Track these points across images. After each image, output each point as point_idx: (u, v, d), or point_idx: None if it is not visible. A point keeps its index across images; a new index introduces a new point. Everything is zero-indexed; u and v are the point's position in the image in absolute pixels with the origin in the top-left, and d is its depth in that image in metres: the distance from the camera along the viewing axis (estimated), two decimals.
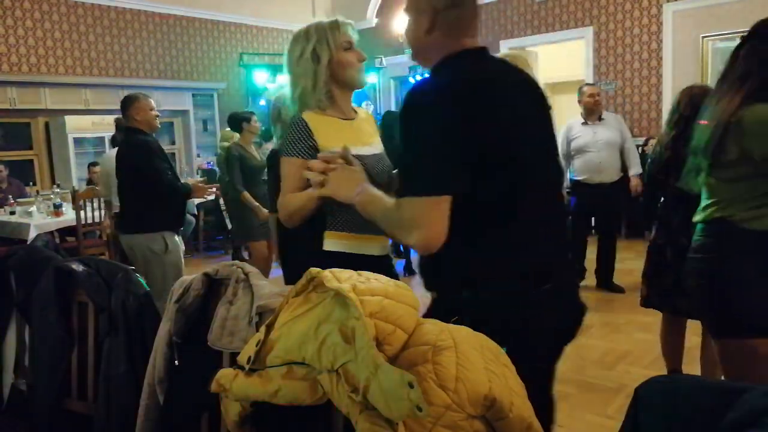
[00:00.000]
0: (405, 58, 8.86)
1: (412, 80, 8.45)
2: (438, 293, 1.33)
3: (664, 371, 2.82)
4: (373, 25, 9.28)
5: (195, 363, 1.58)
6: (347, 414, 1.01)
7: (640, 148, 6.17)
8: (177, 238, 3.52)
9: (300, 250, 1.82)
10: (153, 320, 1.84)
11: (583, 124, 4.59)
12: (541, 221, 1.29)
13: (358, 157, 1.58)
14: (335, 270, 1.15)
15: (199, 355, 1.57)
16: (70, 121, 6.79)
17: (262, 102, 8.74)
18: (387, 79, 9.55)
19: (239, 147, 4.58)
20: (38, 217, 5.28)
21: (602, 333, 3.67)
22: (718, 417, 0.88)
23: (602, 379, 3.09)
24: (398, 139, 1.26)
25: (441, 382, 0.97)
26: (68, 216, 5.39)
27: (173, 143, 8.03)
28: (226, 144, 5.04)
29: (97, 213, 5.43)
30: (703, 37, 6.48)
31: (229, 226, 6.43)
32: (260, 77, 8.69)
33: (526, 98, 1.33)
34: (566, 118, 5.03)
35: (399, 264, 5.46)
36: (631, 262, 5.25)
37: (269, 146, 6.07)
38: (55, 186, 6.13)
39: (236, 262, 1.64)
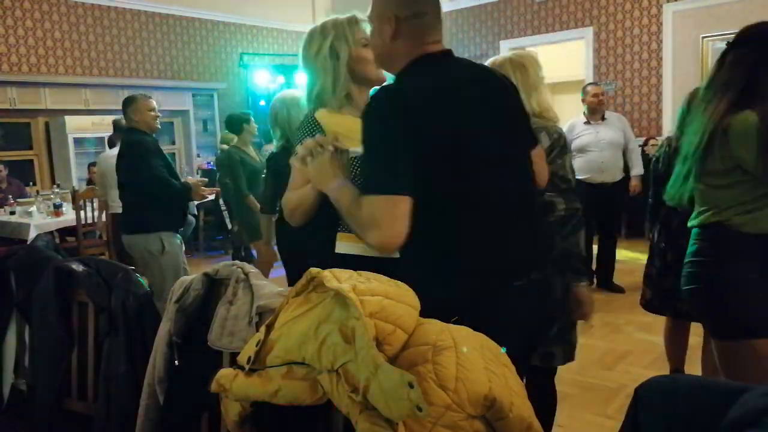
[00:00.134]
0: None
1: None
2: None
3: (664, 371, 2.82)
4: None
5: (195, 363, 1.58)
6: (347, 414, 1.01)
7: (640, 148, 6.18)
8: (177, 238, 3.51)
9: (310, 254, 1.77)
10: (153, 320, 1.84)
11: (585, 123, 4.59)
12: (502, 222, 1.31)
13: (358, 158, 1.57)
14: (335, 270, 1.15)
15: (199, 355, 1.57)
16: (70, 121, 6.79)
17: (262, 102, 8.74)
18: (387, 78, 9.55)
19: (239, 150, 4.59)
20: (38, 217, 5.28)
21: (602, 333, 3.67)
22: (718, 417, 0.88)
23: (602, 379, 3.09)
24: None
25: (441, 382, 0.97)
26: (68, 216, 5.39)
27: (173, 143, 8.03)
28: (225, 146, 5.04)
29: (96, 213, 5.43)
30: (703, 37, 6.49)
31: (230, 227, 6.43)
32: (260, 77, 8.68)
33: (481, 104, 1.33)
34: (566, 118, 5.04)
35: None
36: (631, 263, 5.25)
37: (270, 147, 6.07)
38: (55, 186, 6.12)
39: (236, 262, 1.64)
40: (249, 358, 1.16)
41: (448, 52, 1.38)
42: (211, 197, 3.66)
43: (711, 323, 1.80)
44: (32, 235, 4.95)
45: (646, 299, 2.83)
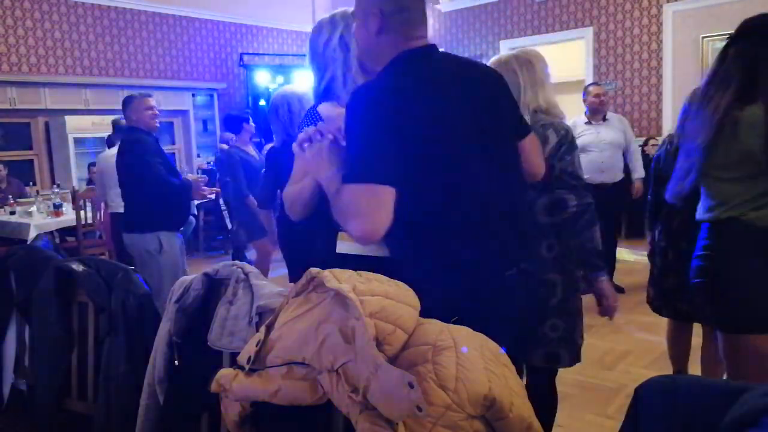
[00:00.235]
0: None
1: None
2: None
3: (664, 371, 2.82)
4: None
5: (195, 363, 1.58)
6: (347, 414, 1.01)
7: (640, 149, 6.17)
8: (177, 238, 3.51)
9: (313, 252, 1.75)
10: (153, 320, 1.84)
11: (586, 123, 4.59)
12: (488, 214, 1.32)
13: None
14: (335, 270, 1.15)
15: (199, 355, 1.57)
16: (70, 121, 6.78)
17: (262, 102, 8.74)
18: None
19: (239, 150, 4.59)
20: (38, 217, 5.28)
21: (602, 333, 3.67)
22: (718, 417, 0.88)
23: (602, 379, 3.09)
24: None
25: (441, 382, 0.97)
26: (68, 216, 5.39)
27: (173, 143, 8.03)
28: (225, 146, 5.04)
29: (99, 213, 5.43)
30: (703, 37, 6.49)
31: (230, 226, 6.43)
32: (260, 77, 8.69)
33: (464, 98, 1.34)
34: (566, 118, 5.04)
35: None
36: (631, 263, 5.25)
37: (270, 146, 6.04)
38: (55, 186, 6.12)
39: (236, 262, 1.64)
40: (249, 358, 1.16)
41: (432, 47, 1.40)
42: (212, 197, 3.65)
43: (718, 317, 1.80)
44: (32, 235, 4.95)
45: (650, 298, 2.83)
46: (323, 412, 1.14)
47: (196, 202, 6.22)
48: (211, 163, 7.70)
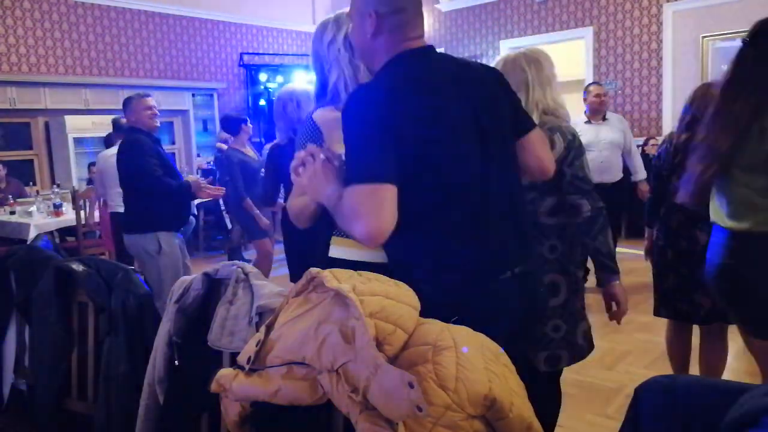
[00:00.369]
0: None
1: None
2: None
3: (664, 371, 2.81)
4: None
5: (195, 363, 1.58)
6: (347, 414, 1.01)
7: (640, 149, 6.17)
8: (176, 238, 3.51)
9: (317, 253, 1.75)
10: (153, 320, 1.84)
11: (586, 123, 4.59)
12: (485, 216, 1.31)
13: None
14: (335, 270, 1.15)
15: (199, 355, 1.57)
16: (70, 121, 6.78)
17: (262, 102, 8.74)
18: None
19: (237, 152, 4.58)
20: (38, 217, 5.28)
21: (602, 333, 3.66)
22: (718, 417, 0.88)
23: (602, 379, 3.08)
24: None
25: (441, 382, 0.97)
26: (68, 216, 5.39)
27: (173, 143, 8.03)
28: (224, 146, 5.04)
29: (96, 213, 5.43)
30: (703, 37, 6.48)
31: (230, 226, 6.43)
32: (260, 77, 8.69)
33: (462, 99, 1.33)
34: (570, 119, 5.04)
35: None
36: (631, 262, 5.24)
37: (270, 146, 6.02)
38: (55, 186, 6.12)
39: (236, 262, 1.64)
40: (249, 358, 1.16)
41: (429, 48, 1.39)
42: (220, 193, 3.66)
43: (754, 325, 1.79)
44: (32, 235, 4.95)
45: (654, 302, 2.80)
46: (323, 412, 1.14)
47: (196, 201, 6.24)
48: (211, 163, 7.69)
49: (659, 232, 2.65)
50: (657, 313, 2.68)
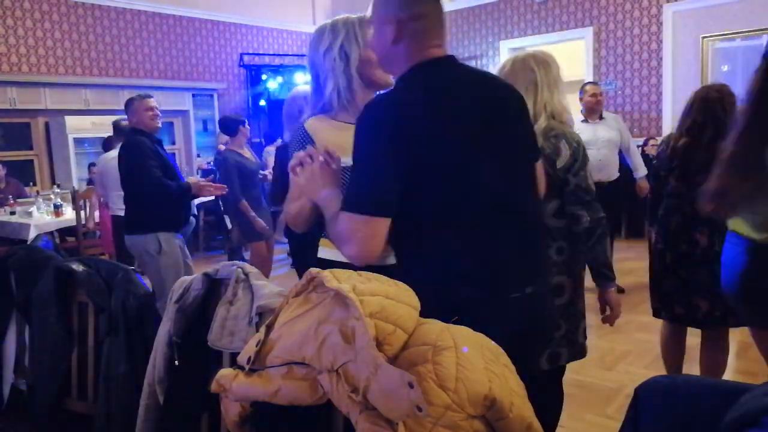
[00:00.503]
0: None
1: None
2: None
3: (663, 371, 2.82)
4: None
5: (195, 363, 1.58)
6: (347, 414, 1.01)
7: (640, 149, 6.17)
8: (177, 239, 3.51)
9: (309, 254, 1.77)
10: (153, 320, 1.84)
11: (583, 122, 4.60)
12: (496, 234, 1.29)
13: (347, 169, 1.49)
14: (335, 270, 1.15)
15: (199, 355, 1.57)
16: (70, 121, 6.78)
17: (262, 102, 8.74)
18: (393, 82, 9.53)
19: (235, 153, 4.58)
20: (38, 217, 5.28)
21: (602, 333, 3.67)
22: (718, 417, 0.88)
23: (602, 379, 3.09)
24: None
25: (441, 382, 0.97)
26: (68, 216, 5.39)
27: (173, 143, 8.03)
28: (223, 147, 5.04)
29: (96, 213, 5.43)
30: (703, 37, 6.48)
31: (230, 227, 6.43)
32: (261, 78, 8.69)
33: (480, 113, 1.31)
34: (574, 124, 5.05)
35: None
36: (631, 262, 5.25)
37: (271, 149, 6.05)
38: (55, 186, 6.12)
39: (236, 262, 1.64)
40: (249, 358, 1.16)
41: (450, 58, 1.37)
42: (223, 192, 3.66)
43: None
44: (32, 235, 4.95)
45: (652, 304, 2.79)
46: (323, 412, 1.14)
47: (197, 201, 6.25)
48: (211, 163, 7.70)
49: (658, 235, 2.64)
50: (657, 314, 2.67)
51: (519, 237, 1.34)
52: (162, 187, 3.35)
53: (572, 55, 7.74)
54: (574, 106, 5.12)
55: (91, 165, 6.52)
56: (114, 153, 3.82)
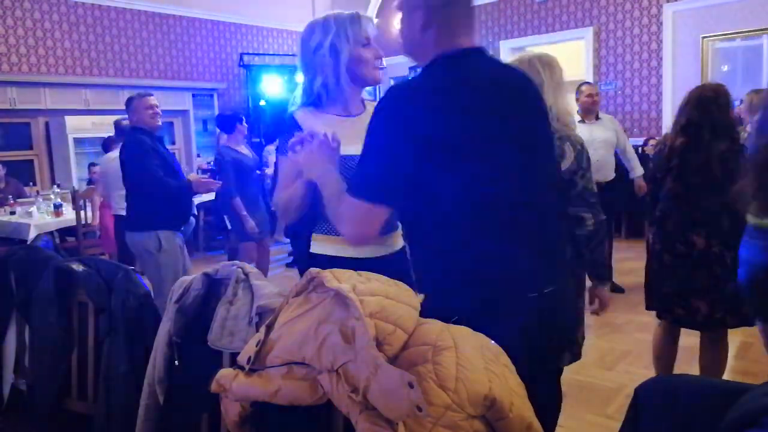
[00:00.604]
0: (405, 59, 8.84)
1: None
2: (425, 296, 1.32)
3: None
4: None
5: (195, 363, 1.58)
6: (347, 414, 1.01)
7: (639, 149, 6.17)
8: (177, 237, 3.52)
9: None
10: (153, 320, 1.84)
11: (580, 122, 4.60)
12: (514, 232, 1.27)
13: (345, 159, 1.52)
14: (335, 270, 1.15)
15: (199, 355, 1.57)
16: (70, 121, 6.78)
17: (262, 102, 8.74)
18: (387, 79, 9.55)
19: (231, 150, 4.57)
20: (38, 217, 5.28)
21: (602, 333, 3.67)
22: (718, 417, 0.88)
23: (602, 379, 3.09)
24: None
25: (441, 382, 0.97)
26: (68, 216, 5.39)
27: (173, 143, 8.03)
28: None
29: (96, 213, 5.43)
30: (703, 37, 6.48)
31: (229, 227, 6.43)
32: (260, 77, 8.68)
33: (504, 108, 1.28)
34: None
35: None
36: (631, 262, 5.25)
37: (272, 148, 6.03)
38: (55, 186, 6.12)
39: (236, 262, 1.64)
40: (249, 358, 1.16)
41: (478, 50, 1.34)
42: (217, 185, 3.67)
43: None
44: (32, 235, 4.95)
45: (646, 301, 2.77)
46: (323, 412, 1.14)
47: (197, 201, 6.25)
48: (211, 163, 7.70)
49: (655, 236, 2.63)
50: (660, 315, 2.65)
51: (538, 235, 1.31)
52: (162, 186, 3.36)
53: (572, 55, 7.74)
54: (574, 106, 5.14)
55: (91, 165, 6.52)
56: (115, 153, 3.84)
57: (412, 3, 1.32)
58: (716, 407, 0.90)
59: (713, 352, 2.59)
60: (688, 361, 2.89)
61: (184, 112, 8.08)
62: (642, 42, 6.95)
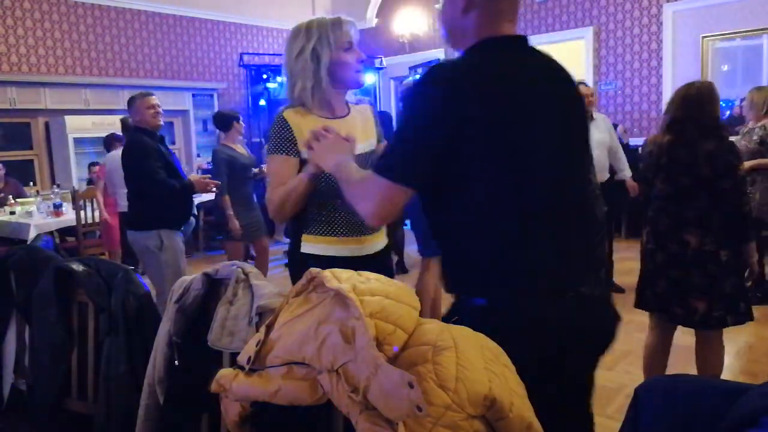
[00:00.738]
0: (405, 58, 8.86)
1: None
2: (455, 297, 1.30)
3: None
4: (373, 25, 9.28)
5: (195, 363, 1.58)
6: (347, 414, 1.01)
7: (640, 149, 6.16)
8: (178, 236, 3.53)
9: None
10: (153, 320, 1.84)
11: None
12: (552, 230, 1.22)
13: None
14: (335, 270, 1.15)
15: (199, 355, 1.57)
16: (70, 121, 6.79)
17: (262, 102, 8.74)
18: (387, 79, 9.55)
19: (227, 148, 4.57)
20: (38, 217, 5.28)
21: None
22: (718, 417, 0.88)
23: (602, 379, 3.07)
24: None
25: (441, 382, 0.97)
26: (68, 216, 5.39)
27: (173, 143, 8.03)
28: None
29: (96, 213, 5.44)
30: (703, 37, 6.49)
31: None
32: (260, 77, 8.69)
33: (544, 101, 1.24)
34: None
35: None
36: (631, 262, 5.24)
37: None
38: (55, 186, 6.13)
39: (236, 261, 1.64)
40: (249, 358, 1.16)
41: (521, 38, 1.30)
42: (214, 184, 3.67)
43: None
44: (32, 235, 4.95)
45: (636, 299, 2.75)
46: (323, 412, 1.14)
47: (197, 201, 6.25)
48: (211, 162, 7.70)
49: (648, 235, 2.64)
50: (654, 313, 2.65)
51: (576, 235, 1.27)
52: (163, 185, 3.37)
53: (572, 55, 7.74)
54: None
55: (91, 165, 6.52)
56: (119, 152, 3.85)
57: None
58: (716, 407, 0.90)
59: (707, 352, 2.58)
60: (687, 361, 2.89)
61: (184, 112, 8.08)
62: (642, 42, 6.95)
